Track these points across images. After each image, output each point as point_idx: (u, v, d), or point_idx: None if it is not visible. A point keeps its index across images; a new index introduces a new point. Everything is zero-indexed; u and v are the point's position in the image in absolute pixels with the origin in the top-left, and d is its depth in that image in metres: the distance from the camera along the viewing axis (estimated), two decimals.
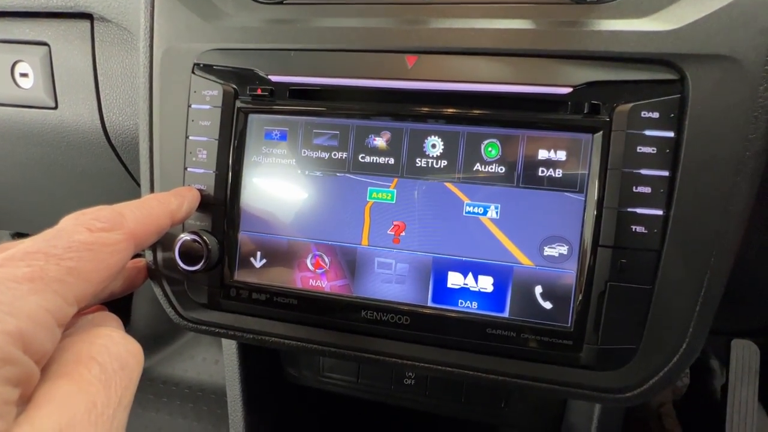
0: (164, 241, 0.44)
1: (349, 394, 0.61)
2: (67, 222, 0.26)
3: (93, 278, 0.25)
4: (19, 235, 1.07)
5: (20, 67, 0.60)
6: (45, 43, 0.58)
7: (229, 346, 0.58)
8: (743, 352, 0.90)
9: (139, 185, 0.64)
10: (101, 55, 0.56)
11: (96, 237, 0.25)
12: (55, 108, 0.60)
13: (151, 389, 1.19)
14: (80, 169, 0.66)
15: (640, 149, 0.35)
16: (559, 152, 0.38)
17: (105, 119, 0.59)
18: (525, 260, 0.38)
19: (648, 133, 0.35)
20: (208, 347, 1.24)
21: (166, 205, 0.33)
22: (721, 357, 0.99)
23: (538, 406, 0.57)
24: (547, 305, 0.38)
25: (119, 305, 1.29)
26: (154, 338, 1.26)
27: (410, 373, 0.57)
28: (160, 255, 0.45)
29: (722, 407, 0.87)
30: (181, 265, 0.42)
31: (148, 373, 1.23)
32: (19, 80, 0.60)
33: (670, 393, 1.06)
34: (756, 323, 0.87)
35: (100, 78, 0.57)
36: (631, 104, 0.35)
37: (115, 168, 0.63)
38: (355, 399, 0.62)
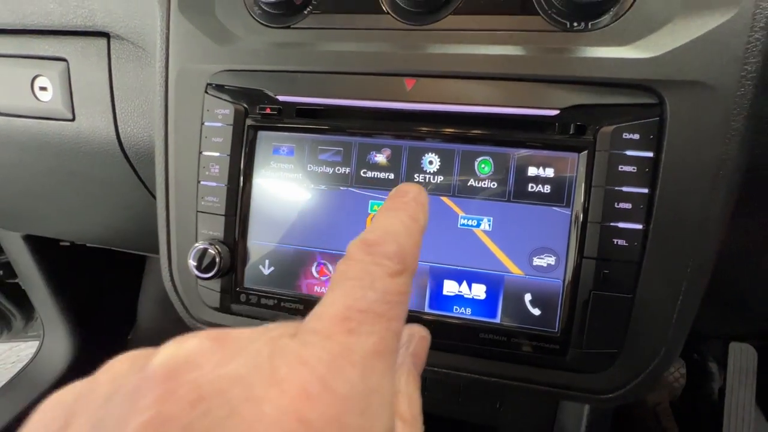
0: (179, 248, 0.47)
1: None
2: (362, 256, 0.22)
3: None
4: (30, 237, 1.10)
5: (40, 81, 0.63)
6: (64, 59, 0.61)
7: None
8: (741, 355, 0.92)
9: (151, 193, 0.67)
10: (117, 71, 0.59)
11: (398, 286, 0.21)
12: (73, 120, 0.63)
13: None
14: (95, 178, 0.69)
15: (621, 168, 0.38)
16: (547, 169, 0.40)
17: (120, 131, 0.62)
18: (515, 270, 0.41)
19: (629, 153, 0.38)
20: None
21: (420, 225, 0.25)
22: (719, 360, 1.01)
23: (532, 407, 0.60)
24: (536, 312, 0.41)
25: (125, 305, 1.32)
26: (159, 338, 1.28)
27: None
28: (175, 261, 0.48)
29: (720, 409, 0.89)
30: (195, 272, 0.45)
31: None
32: (39, 93, 0.63)
33: (666, 393, 1.08)
34: (753, 327, 0.89)
35: (115, 92, 0.60)
36: (614, 126, 0.38)
37: (128, 177, 0.66)
38: None
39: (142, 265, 1.34)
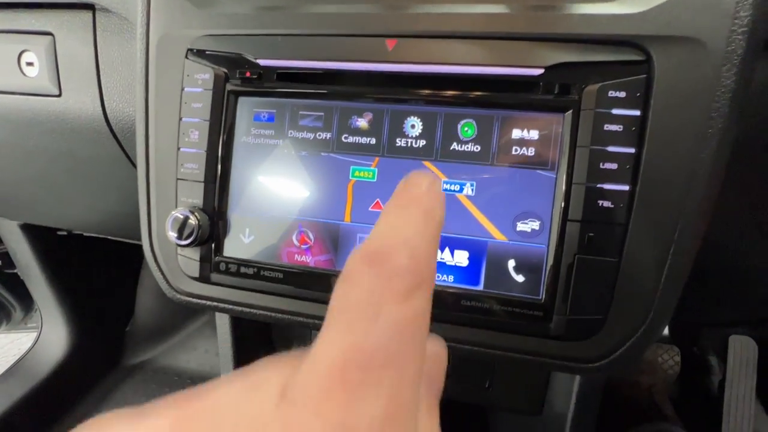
0: (159, 217, 0.46)
1: None
2: (364, 274, 0.17)
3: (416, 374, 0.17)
4: (27, 226, 1.10)
5: (26, 57, 0.62)
6: (50, 33, 0.61)
7: (223, 326, 0.60)
8: (741, 348, 0.90)
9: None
10: (102, 44, 0.59)
11: (413, 310, 0.17)
12: (59, 95, 0.62)
13: (154, 380, 1.22)
14: (85, 157, 0.69)
15: (607, 127, 0.37)
16: (531, 131, 0.39)
17: (106, 106, 0.61)
18: (499, 235, 0.40)
19: (615, 111, 0.37)
20: (210, 339, 1.27)
21: (437, 221, 0.20)
22: (718, 352, 1.00)
23: (521, 386, 0.58)
24: (520, 278, 0.40)
25: (123, 297, 1.32)
26: (157, 330, 1.29)
27: None
28: (155, 230, 0.47)
29: (720, 402, 0.88)
30: (173, 239, 0.44)
31: (151, 363, 1.26)
32: (26, 69, 0.63)
33: (660, 378, 1.07)
34: (754, 314, 0.87)
35: (101, 66, 0.60)
36: (599, 84, 0.37)
37: (115, 153, 0.66)
38: None
39: (140, 257, 1.34)
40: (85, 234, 1.08)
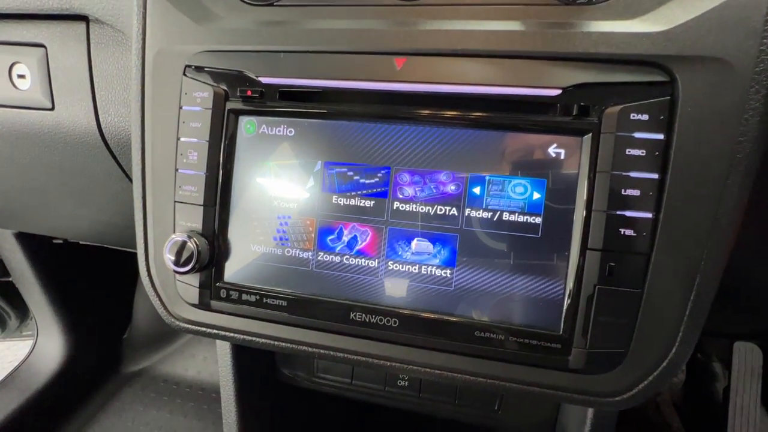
0: (156, 241, 0.44)
1: (343, 395, 0.61)
2: None
3: None
4: (22, 234, 1.08)
5: (18, 69, 0.60)
6: (42, 45, 0.58)
7: (223, 346, 0.58)
8: (746, 355, 0.89)
9: None
10: (97, 57, 0.57)
11: None
12: (52, 109, 0.60)
13: (152, 388, 1.20)
14: (79, 170, 0.67)
15: (629, 152, 0.35)
16: (547, 155, 0.37)
17: (101, 120, 0.59)
18: None
19: (637, 135, 0.35)
20: (208, 346, 1.25)
21: None
22: (723, 359, 0.99)
23: (532, 409, 0.57)
24: (538, 309, 0.38)
25: (121, 305, 1.30)
26: (155, 337, 1.27)
27: (403, 375, 0.57)
28: (151, 254, 0.45)
29: (724, 409, 0.86)
30: (171, 265, 0.42)
31: (150, 371, 1.24)
32: (17, 81, 0.60)
33: (665, 387, 1.06)
34: (759, 326, 0.86)
35: (95, 79, 0.58)
36: (621, 106, 0.35)
37: (111, 168, 0.64)
38: (349, 400, 0.62)
39: (137, 263, 1.32)
40: (81, 242, 1.06)
